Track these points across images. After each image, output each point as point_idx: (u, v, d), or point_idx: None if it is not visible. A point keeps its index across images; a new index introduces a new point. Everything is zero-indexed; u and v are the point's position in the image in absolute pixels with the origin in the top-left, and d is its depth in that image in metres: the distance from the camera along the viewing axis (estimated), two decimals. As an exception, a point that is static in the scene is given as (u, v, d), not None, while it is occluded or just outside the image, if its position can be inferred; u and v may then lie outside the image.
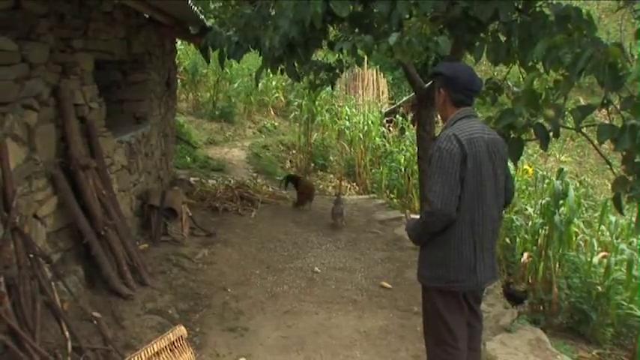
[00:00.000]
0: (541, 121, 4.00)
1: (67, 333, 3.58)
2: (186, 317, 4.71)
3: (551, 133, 4.05)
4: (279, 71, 6.46)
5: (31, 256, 3.57)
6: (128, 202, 5.79)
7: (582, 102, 10.74)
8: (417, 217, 3.47)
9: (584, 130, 4.46)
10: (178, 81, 12.73)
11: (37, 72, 3.96)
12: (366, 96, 15.32)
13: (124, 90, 6.70)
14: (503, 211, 3.57)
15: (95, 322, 3.98)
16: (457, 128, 3.12)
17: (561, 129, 4.16)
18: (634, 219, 3.94)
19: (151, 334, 4.07)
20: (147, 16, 6.22)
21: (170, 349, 2.87)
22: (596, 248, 7.10)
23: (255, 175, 10.16)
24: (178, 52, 12.51)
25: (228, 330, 4.63)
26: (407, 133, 12.09)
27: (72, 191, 4.43)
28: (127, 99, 6.73)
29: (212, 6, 7.81)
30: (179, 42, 10.33)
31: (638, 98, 3.58)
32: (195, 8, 6.29)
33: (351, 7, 4.98)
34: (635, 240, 6.86)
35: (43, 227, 4.11)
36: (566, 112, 4.18)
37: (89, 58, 4.95)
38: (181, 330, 2.97)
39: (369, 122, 12.63)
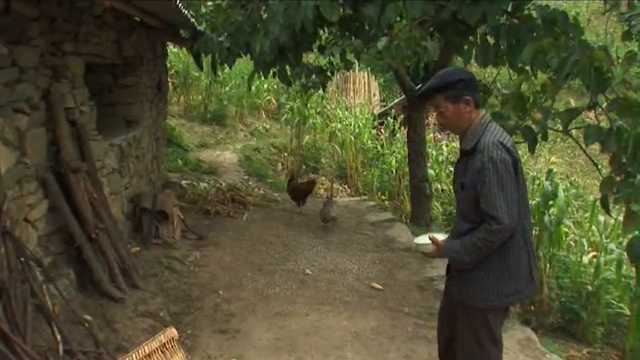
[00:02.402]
0: (529, 123, 4.05)
1: (58, 336, 3.59)
2: (178, 319, 4.72)
3: (539, 136, 4.11)
4: (270, 75, 6.50)
5: (22, 259, 3.58)
6: (119, 206, 5.80)
7: (572, 103, 10.83)
8: (441, 236, 3.08)
9: (573, 131, 4.52)
10: (170, 84, 12.73)
11: (27, 76, 3.97)
12: (358, 98, 15.38)
13: (115, 93, 6.70)
14: None
15: (87, 325, 3.99)
16: (495, 134, 2.87)
17: (551, 130, 4.21)
18: (622, 219, 3.98)
19: (143, 337, 4.08)
20: (138, 19, 6.23)
21: (161, 351, 2.88)
22: (586, 248, 7.17)
23: (246, 177, 10.18)
24: (170, 56, 12.54)
25: (219, 332, 4.65)
26: (398, 135, 12.14)
27: (63, 195, 4.44)
28: (118, 102, 6.74)
29: (203, 10, 7.82)
30: (171, 45, 10.34)
31: (623, 100, 3.63)
32: (186, 12, 6.31)
33: (341, 11, 5.02)
34: (624, 240, 6.92)
35: (34, 231, 4.12)
36: (555, 115, 4.23)
37: (80, 61, 4.96)
38: (172, 332, 2.98)
39: (360, 124, 12.67)
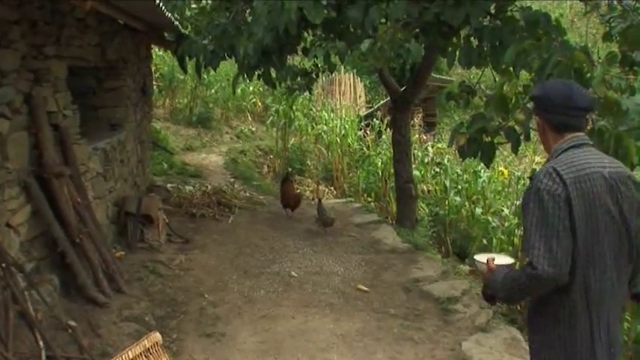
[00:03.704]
0: (512, 124, 4.08)
1: (41, 342, 3.56)
2: (163, 324, 4.70)
3: (522, 136, 4.13)
4: (255, 77, 6.50)
5: (4, 265, 3.54)
6: (104, 210, 5.77)
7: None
8: (504, 260, 2.64)
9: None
10: (155, 87, 12.67)
11: (8, 79, 3.94)
12: (344, 100, 15.39)
13: (99, 97, 6.66)
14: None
15: (70, 330, 3.96)
16: (561, 161, 2.37)
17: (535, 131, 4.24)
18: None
19: (128, 342, 4.04)
20: (121, 22, 6.20)
21: (145, 356, 2.86)
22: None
23: (232, 180, 10.14)
24: (155, 58, 12.48)
25: (205, 335, 4.64)
26: (384, 136, 12.17)
27: (46, 199, 4.40)
28: (102, 106, 6.69)
29: (188, 13, 7.81)
30: (156, 48, 10.30)
31: (604, 100, 3.66)
32: (170, 15, 6.29)
33: (325, 13, 5.03)
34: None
35: (17, 236, 4.08)
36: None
37: (62, 65, 4.93)
38: (156, 336, 2.96)
39: (346, 126, 12.69)
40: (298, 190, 9.91)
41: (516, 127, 4.07)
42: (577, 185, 2.29)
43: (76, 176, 4.86)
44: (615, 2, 4.41)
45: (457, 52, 4.95)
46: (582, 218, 2.28)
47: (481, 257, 2.68)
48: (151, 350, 2.91)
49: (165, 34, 7.56)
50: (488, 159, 4.18)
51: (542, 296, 2.39)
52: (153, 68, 10.49)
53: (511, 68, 4.15)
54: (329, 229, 7.68)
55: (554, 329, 2.40)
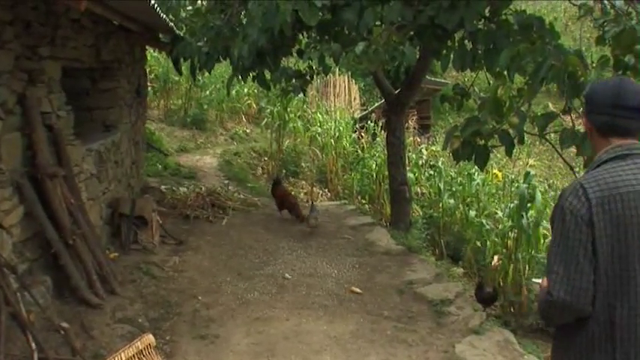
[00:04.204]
0: (506, 127, 4.10)
1: (33, 344, 3.54)
2: (157, 325, 4.69)
3: (515, 140, 4.15)
4: (250, 79, 6.50)
5: (-3, 266, 3.53)
6: (98, 211, 5.75)
7: (551, 107, 10.95)
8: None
9: (551, 134, 4.58)
10: (150, 88, 12.66)
11: (2, 80, 3.92)
12: (338, 102, 15.41)
13: (94, 98, 6.64)
14: None
15: (63, 332, 3.95)
16: (593, 176, 2.08)
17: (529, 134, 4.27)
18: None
19: (121, 344, 4.03)
20: (116, 23, 6.19)
21: (138, 358, 2.86)
22: (563, 250, 7.23)
23: (226, 182, 10.13)
24: (150, 60, 12.47)
25: (198, 337, 4.63)
26: (378, 139, 12.19)
27: (39, 200, 4.38)
28: (96, 107, 6.67)
29: (183, 14, 7.80)
30: (151, 49, 10.29)
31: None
32: (165, 16, 6.28)
33: (320, 16, 5.04)
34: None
35: (9, 237, 4.06)
36: (532, 119, 4.28)
37: (56, 65, 4.91)
38: (149, 338, 2.96)
39: (341, 128, 12.70)
40: (292, 192, 9.91)
41: (510, 131, 4.09)
42: (604, 206, 2.00)
43: (70, 177, 4.85)
44: (608, 6, 4.43)
45: (451, 55, 4.98)
46: (607, 243, 2.00)
47: (540, 280, 2.37)
48: (144, 352, 2.90)
49: (160, 36, 7.55)
50: (482, 162, 4.20)
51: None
52: (147, 69, 10.49)
53: (505, 72, 4.18)
54: (313, 230, 7.68)
55: (571, 357, 2.14)
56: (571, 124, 4.25)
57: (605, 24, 4.29)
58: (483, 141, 4.12)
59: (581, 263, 2.00)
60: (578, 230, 2.01)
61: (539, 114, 4.22)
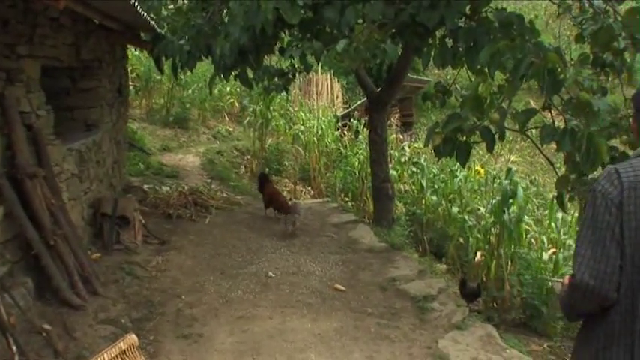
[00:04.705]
0: (487, 124, 4.12)
1: (14, 347, 3.51)
2: (140, 325, 4.67)
3: (497, 136, 4.18)
4: (232, 77, 6.48)
5: (-23, 268, 3.50)
6: (79, 211, 5.71)
7: (532, 103, 11.05)
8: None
9: (532, 131, 4.62)
10: (131, 87, 12.57)
11: (-20, 80, 3.89)
12: (321, 100, 15.41)
13: (74, 97, 6.59)
14: None
15: (45, 334, 3.92)
16: (630, 162, 2.08)
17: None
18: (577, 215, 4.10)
19: (104, 345, 4.00)
20: (96, 22, 6.14)
21: (121, 358, 2.85)
22: (546, 245, 7.33)
23: (209, 181, 10.09)
24: (132, 59, 12.38)
25: (182, 337, 4.61)
26: (361, 136, 12.21)
27: (19, 201, 4.35)
28: (77, 106, 6.62)
29: (164, 12, 7.76)
30: (132, 48, 10.22)
31: (577, 100, 3.72)
32: (146, 15, 6.24)
33: (302, 14, 5.04)
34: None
35: (-11, 238, 4.03)
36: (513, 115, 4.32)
37: (35, 64, 4.87)
38: (132, 338, 2.95)
39: (324, 126, 12.71)
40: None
41: (491, 127, 4.12)
42: (636, 191, 1.98)
43: (51, 177, 4.81)
44: (587, 5, 4.48)
45: (432, 53, 5.00)
46: (635, 229, 1.96)
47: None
48: (127, 352, 2.89)
49: (142, 34, 7.50)
50: (463, 158, 4.22)
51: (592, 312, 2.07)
52: (129, 68, 10.42)
53: (486, 69, 4.20)
54: (291, 228, 7.63)
55: (587, 348, 2.10)
56: (551, 120, 4.29)
57: (584, 22, 4.33)
58: (465, 137, 4.14)
59: (607, 246, 1.97)
60: (607, 213, 1.98)
61: (520, 110, 4.25)
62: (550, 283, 2.85)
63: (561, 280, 2.32)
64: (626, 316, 1.97)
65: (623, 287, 1.97)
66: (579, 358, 2.17)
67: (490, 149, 4.28)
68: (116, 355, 2.81)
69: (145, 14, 6.19)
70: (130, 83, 11.57)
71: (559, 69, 3.64)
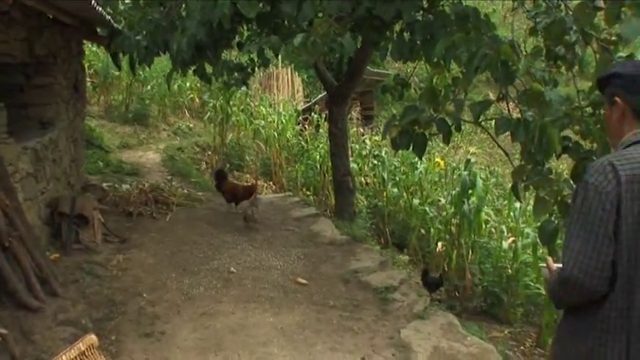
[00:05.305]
0: (443, 116, 4.18)
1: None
2: (101, 326, 4.61)
3: (453, 127, 4.24)
4: (191, 73, 6.43)
5: None
6: (36, 211, 5.59)
7: (491, 95, 11.23)
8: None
9: (489, 122, 4.70)
10: (89, 84, 12.35)
11: None
12: (281, 95, 15.40)
13: (28, 94, 6.44)
14: None
15: (1, 338, 3.83)
16: (622, 155, 2.04)
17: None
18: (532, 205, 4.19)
19: (64, 347, 3.92)
20: (50, 16, 6.01)
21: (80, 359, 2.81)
22: (505, 234, 7.49)
23: (170, 178, 10.00)
24: (89, 54, 12.15)
25: (144, 335, 4.57)
26: (322, 130, 12.26)
27: (-28, 202, 4.25)
28: (31, 103, 6.47)
29: (121, 7, 7.63)
30: (89, 44, 10.04)
31: (530, 91, 3.80)
32: (101, 9, 6.14)
33: (260, 7, 5.02)
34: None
35: (-59, 241, 3.92)
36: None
37: (-15, 61, 4.75)
38: (92, 338, 2.91)
39: (284, 121, 12.71)
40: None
41: (447, 119, 4.18)
42: (634, 185, 1.95)
43: (4, 177, 4.70)
44: (540, -1, 4.56)
45: (389, 46, 5.04)
46: (632, 224, 1.94)
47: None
48: (86, 353, 2.85)
49: (98, 29, 7.37)
50: (420, 150, 4.27)
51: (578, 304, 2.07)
52: (86, 64, 10.23)
53: (442, 61, 4.26)
54: (252, 224, 7.61)
55: (582, 341, 2.05)
56: (507, 111, 4.37)
57: (537, 15, 4.41)
58: (421, 129, 4.19)
59: (599, 242, 1.94)
60: (600, 208, 1.95)
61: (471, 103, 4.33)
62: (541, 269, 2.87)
63: (545, 265, 2.31)
64: (622, 312, 1.96)
65: (619, 283, 1.95)
66: (567, 349, 2.12)
67: (447, 140, 4.35)
68: (75, 357, 2.77)
69: (101, 9, 6.09)
70: (88, 79, 11.38)
71: (512, 61, 3.71)
